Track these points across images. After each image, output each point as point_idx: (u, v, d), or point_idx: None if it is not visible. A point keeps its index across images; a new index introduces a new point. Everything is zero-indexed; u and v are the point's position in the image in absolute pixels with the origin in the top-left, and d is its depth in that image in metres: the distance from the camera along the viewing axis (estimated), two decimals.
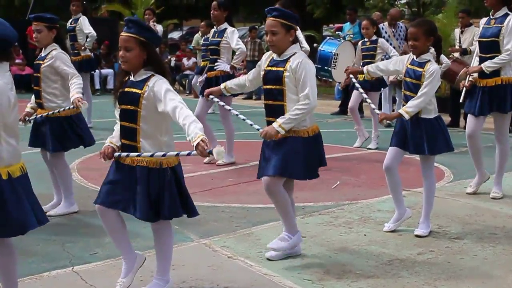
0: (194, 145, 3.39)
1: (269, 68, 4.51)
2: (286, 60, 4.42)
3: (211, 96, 5.00)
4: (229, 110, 5.10)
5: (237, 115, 4.85)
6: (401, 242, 5.04)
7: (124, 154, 3.83)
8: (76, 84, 5.48)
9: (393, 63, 5.40)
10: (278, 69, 4.43)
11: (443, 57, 9.37)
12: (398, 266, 4.53)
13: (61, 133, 5.61)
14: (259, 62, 4.69)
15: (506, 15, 6.20)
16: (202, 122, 7.97)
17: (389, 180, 5.27)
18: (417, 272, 4.42)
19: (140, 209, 3.78)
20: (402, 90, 5.28)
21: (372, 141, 9.31)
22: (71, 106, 5.47)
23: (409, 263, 4.59)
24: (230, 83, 4.95)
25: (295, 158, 4.42)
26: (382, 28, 11.19)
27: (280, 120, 4.37)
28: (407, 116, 4.99)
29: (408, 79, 5.17)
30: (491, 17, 6.33)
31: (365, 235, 5.22)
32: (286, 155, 4.41)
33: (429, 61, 5.10)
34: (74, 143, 5.77)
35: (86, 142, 5.83)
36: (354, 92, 9.43)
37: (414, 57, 5.18)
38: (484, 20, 6.47)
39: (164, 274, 4.01)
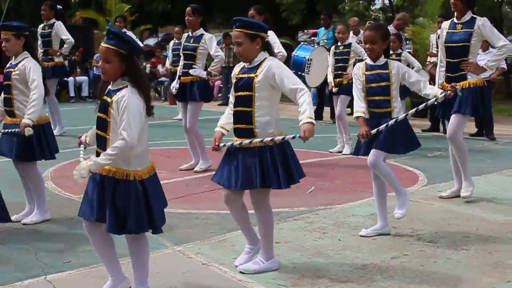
0: (85, 161, 3.65)
1: (240, 75, 4.51)
2: (257, 66, 4.43)
3: (221, 145, 4.50)
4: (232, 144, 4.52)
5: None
6: (375, 247, 5.07)
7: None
8: (32, 101, 5.43)
9: (355, 83, 5.31)
10: (249, 75, 4.43)
11: (414, 61, 9.51)
12: (372, 271, 4.55)
13: (27, 143, 5.48)
14: (232, 74, 4.63)
15: (473, 19, 6.23)
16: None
17: (375, 188, 5.35)
18: (391, 276, 4.44)
19: (108, 221, 3.72)
20: (367, 97, 5.25)
21: (345, 146, 9.36)
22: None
23: (383, 267, 4.62)
24: (222, 122, 4.61)
25: (253, 169, 4.33)
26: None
27: (307, 113, 4.19)
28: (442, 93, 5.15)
29: (374, 85, 5.21)
30: (456, 21, 6.33)
31: (339, 240, 5.24)
32: (247, 168, 4.34)
33: (387, 60, 5.26)
34: (38, 155, 5.60)
35: (47, 156, 5.67)
36: (340, 98, 9.45)
37: (370, 62, 5.27)
38: (446, 24, 6.45)
39: (143, 283, 3.96)
